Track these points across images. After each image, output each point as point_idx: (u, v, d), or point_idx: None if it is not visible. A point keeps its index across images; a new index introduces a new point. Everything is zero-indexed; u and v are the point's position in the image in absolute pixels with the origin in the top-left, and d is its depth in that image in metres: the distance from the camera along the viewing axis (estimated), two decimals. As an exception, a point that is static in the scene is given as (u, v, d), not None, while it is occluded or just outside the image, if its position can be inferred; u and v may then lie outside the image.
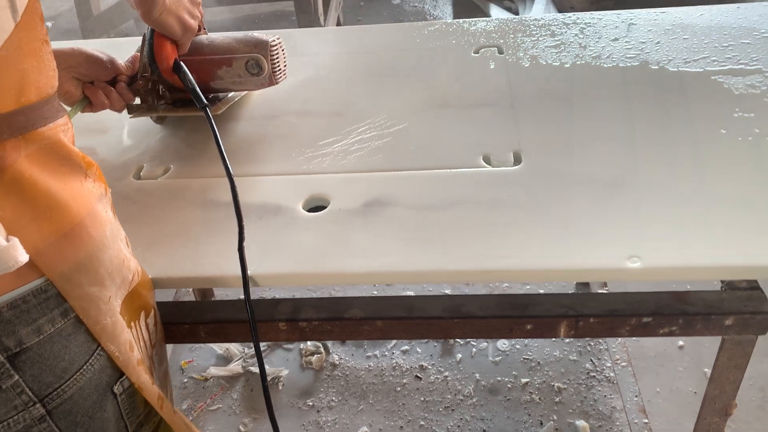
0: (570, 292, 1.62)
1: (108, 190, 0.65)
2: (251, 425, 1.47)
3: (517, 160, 0.85)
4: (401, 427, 1.44)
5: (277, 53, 0.88)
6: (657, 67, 0.99)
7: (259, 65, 0.86)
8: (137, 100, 0.89)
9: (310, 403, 1.50)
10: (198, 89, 0.81)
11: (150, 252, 0.76)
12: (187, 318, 0.79)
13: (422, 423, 1.44)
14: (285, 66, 0.92)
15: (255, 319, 0.72)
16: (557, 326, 0.76)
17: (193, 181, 0.87)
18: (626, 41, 1.06)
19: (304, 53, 1.12)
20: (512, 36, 1.10)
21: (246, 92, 0.99)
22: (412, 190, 0.82)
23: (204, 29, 0.91)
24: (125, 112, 0.90)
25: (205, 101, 0.79)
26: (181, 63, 0.83)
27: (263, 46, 0.87)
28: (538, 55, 1.05)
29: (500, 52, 1.07)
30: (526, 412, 1.44)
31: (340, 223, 0.78)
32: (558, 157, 0.84)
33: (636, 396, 1.38)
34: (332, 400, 1.50)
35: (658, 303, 0.76)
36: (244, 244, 0.71)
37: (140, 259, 0.71)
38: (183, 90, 0.85)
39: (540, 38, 1.09)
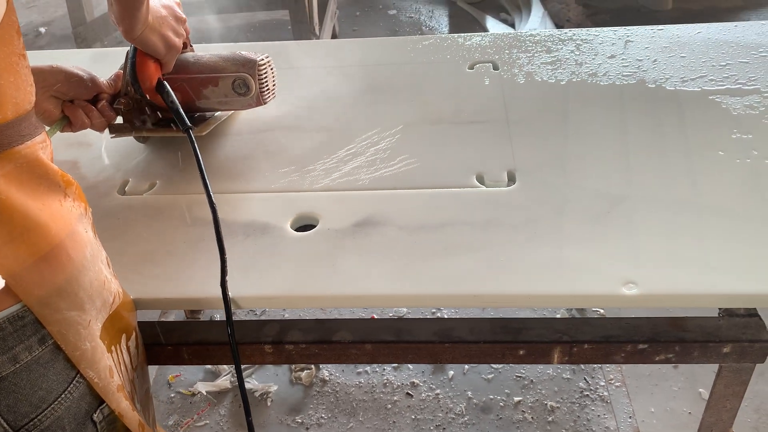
0: (562, 315, 1.60)
1: (88, 209, 0.63)
2: (238, 442, 1.44)
3: (511, 179, 0.83)
4: (391, 445, 1.41)
5: (265, 72, 0.86)
6: (654, 86, 0.97)
7: (246, 85, 0.84)
8: (119, 119, 0.86)
9: (299, 420, 1.47)
10: (182, 110, 0.78)
11: (133, 271, 0.74)
12: (171, 339, 0.77)
13: (412, 441, 1.41)
14: (274, 85, 0.89)
15: (237, 348, 0.70)
16: (551, 352, 0.74)
17: (180, 197, 0.85)
18: (623, 58, 1.04)
19: (297, 66, 1.10)
20: (507, 51, 1.09)
21: (233, 111, 0.97)
22: (403, 210, 0.80)
23: (190, 46, 0.89)
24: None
25: (188, 123, 0.77)
26: (165, 83, 0.80)
27: (251, 66, 0.84)
28: (534, 71, 1.03)
29: (495, 68, 1.05)
30: (518, 431, 1.41)
31: (329, 244, 0.76)
32: (553, 177, 0.83)
33: (630, 417, 1.36)
34: (322, 417, 1.48)
35: (654, 329, 0.74)
36: (228, 266, 0.69)
37: (123, 278, 0.69)
38: (167, 109, 0.82)
39: (535, 54, 1.07)
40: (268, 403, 1.51)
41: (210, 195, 0.70)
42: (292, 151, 0.91)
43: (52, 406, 0.57)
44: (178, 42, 0.80)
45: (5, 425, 0.54)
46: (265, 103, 0.87)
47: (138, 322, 0.72)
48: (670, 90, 0.97)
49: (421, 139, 0.91)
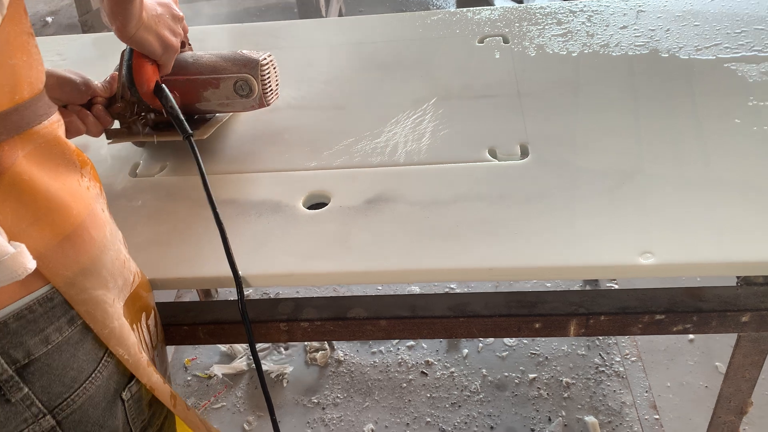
0: (577, 288, 1.60)
1: (102, 189, 0.63)
2: (255, 423, 1.45)
3: (524, 153, 0.83)
4: (407, 423, 1.42)
5: (268, 72, 0.83)
6: (667, 55, 0.96)
7: (248, 86, 0.81)
8: (116, 124, 0.83)
9: (315, 401, 1.48)
10: (181, 116, 0.74)
11: (147, 252, 0.74)
12: (186, 319, 0.77)
13: (428, 420, 1.42)
14: (277, 85, 0.87)
15: (250, 327, 0.70)
16: (567, 325, 0.74)
17: (190, 178, 0.85)
18: (635, 29, 1.03)
19: (304, 45, 1.09)
20: (517, 25, 1.07)
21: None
22: (415, 186, 0.79)
23: (189, 45, 0.86)
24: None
25: (188, 130, 0.73)
26: (164, 86, 0.77)
27: (253, 66, 0.81)
28: (545, 44, 1.02)
29: (505, 41, 1.04)
30: (534, 408, 1.42)
31: (341, 221, 0.75)
32: (566, 149, 0.82)
33: (646, 391, 1.36)
34: (337, 397, 1.49)
35: (671, 299, 0.73)
36: (240, 245, 0.69)
37: (137, 259, 0.69)
38: (166, 112, 0.80)
39: (546, 27, 1.06)
40: (284, 384, 1.52)
41: (208, 188, 0.68)
42: (302, 130, 0.91)
43: (84, 385, 0.58)
44: (176, 42, 0.77)
45: (40, 405, 0.55)
46: (268, 104, 0.84)
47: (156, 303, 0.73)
48: (684, 59, 0.95)
49: (432, 114, 0.90)
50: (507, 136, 0.85)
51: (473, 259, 0.69)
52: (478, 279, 0.70)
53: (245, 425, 1.45)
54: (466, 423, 1.40)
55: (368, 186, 0.80)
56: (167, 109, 0.75)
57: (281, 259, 0.72)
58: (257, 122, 0.92)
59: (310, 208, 0.79)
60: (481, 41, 1.05)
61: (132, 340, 0.61)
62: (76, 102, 0.77)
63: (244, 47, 1.10)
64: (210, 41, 1.13)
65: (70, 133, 0.77)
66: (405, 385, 1.49)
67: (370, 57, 1.04)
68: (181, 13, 0.78)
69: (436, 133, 0.87)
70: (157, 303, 0.73)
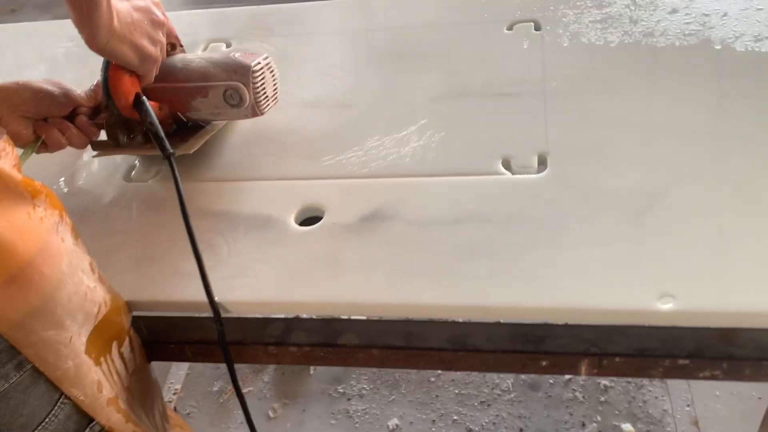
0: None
1: (65, 215, 0.59)
2: (280, 411, 1.44)
3: (542, 164, 0.74)
4: (433, 420, 1.37)
5: (261, 79, 0.76)
6: (720, 47, 0.84)
7: (239, 95, 0.74)
8: (103, 134, 0.78)
9: (341, 390, 1.45)
10: (161, 132, 0.68)
11: (128, 270, 0.71)
12: (173, 337, 0.74)
13: (455, 417, 1.37)
14: (275, 90, 0.80)
15: (230, 357, 0.65)
16: (577, 364, 0.66)
17: (185, 185, 0.79)
18: (686, 13, 0.90)
19: (314, 32, 1.02)
20: (552, 7, 0.96)
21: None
22: (415, 202, 0.72)
23: (180, 47, 0.80)
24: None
25: (168, 149, 0.67)
26: (144, 99, 0.70)
27: (244, 72, 0.74)
28: (580, 31, 0.91)
29: (537, 28, 0.94)
30: (567, 411, 1.34)
31: (332, 242, 0.69)
32: (589, 162, 0.72)
33: (688, 405, 1.26)
34: (363, 388, 1.45)
35: (698, 342, 0.64)
36: (222, 268, 0.64)
37: (118, 278, 0.66)
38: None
39: (585, 10, 0.95)
40: (311, 372, 1.50)
41: (186, 216, 0.64)
42: (303, 131, 0.84)
43: (37, 431, 0.55)
44: (155, 50, 0.70)
45: None
46: (262, 113, 0.77)
47: (140, 317, 0.69)
48: (740, 51, 0.83)
49: (445, 116, 0.82)
50: (525, 144, 0.76)
51: (469, 294, 0.62)
52: (475, 317, 0.63)
53: (270, 412, 1.44)
54: (494, 423, 1.35)
55: (365, 200, 0.73)
56: (146, 125, 0.70)
57: (263, 284, 0.67)
58: (257, 123, 0.86)
59: (303, 222, 0.74)
60: (510, 28, 0.95)
61: (90, 379, 0.58)
62: (56, 114, 0.73)
63: (258, 32, 1.04)
64: (225, 25, 1.07)
65: (51, 147, 0.74)
66: (433, 379, 1.44)
67: (386, 46, 0.96)
68: (162, 18, 0.71)
69: (447, 138, 0.79)
70: (142, 317, 0.70)
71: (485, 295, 0.62)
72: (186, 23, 1.09)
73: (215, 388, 1.51)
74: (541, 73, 0.85)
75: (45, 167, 0.82)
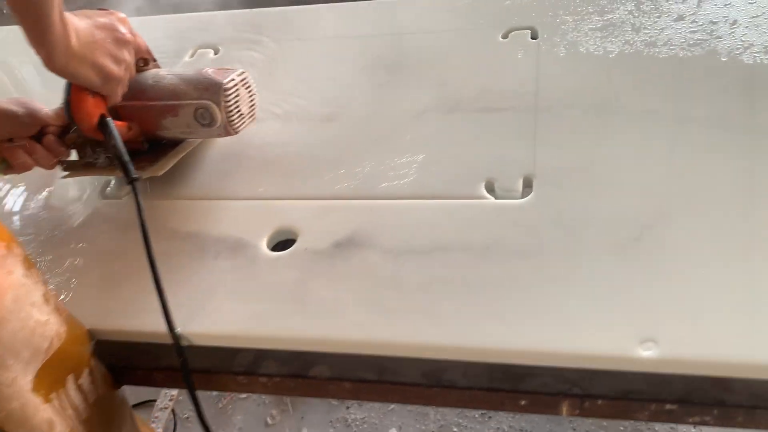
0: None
1: (14, 245, 0.56)
2: (279, 417, 1.42)
3: (528, 187, 0.70)
4: (433, 431, 1.34)
5: (234, 97, 0.72)
6: (726, 59, 0.78)
7: (210, 115, 0.71)
8: (74, 154, 0.75)
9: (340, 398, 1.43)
10: (125, 156, 0.65)
11: (93, 296, 0.69)
12: (141, 363, 0.71)
13: (455, 429, 1.34)
14: (251, 107, 0.76)
15: (193, 389, 0.63)
16: (558, 405, 0.62)
17: (159, 203, 0.78)
18: (693, 20, 0.85)
19: (298, 38, 0.98)
20: (551, 14, 0.91)
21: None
22: (392, 227, 0.69)
23: (154, 62, 0.77)
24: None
25: (133, 174, 0.64)
26: (109, 121, 0.67)
27: (215, 91, 0.71)
28: (578, 40, 0.86)
29: (534, 35, 0.89)
30: (570, 426, 1.30)
31: (303, 269, 0.66)
32: (578, 187, 0.68)
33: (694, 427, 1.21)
34: (362, 396, 1.43)
35: (688, 386, 0.59)
36: (187, 297, 0.61)
37: (81, 305, 0.64)
38: (130, 141, 0.71)
39: (585, 17, 0.90)
40: (310, 378, 1.48)
41: (151, 256, 0.61)
42: (283, 147, 0.81)
43: None
44: (118, 70, 0.66)
45: None
46: (236, 132, 0.74)
47: (106, 341, 0.67)
48: (748, 64, 0.77)
49: (431, 132, 0.78)
50: (511, 165, 0.72)
51: (444, 333, 0.59)
52: (446, 356, 0.60)
53: (268, 419, 1.42)
54: (494, 437, 1.31)
55: (340, 224, 0.70)
56: (110, 148, 0.67)
57: (229, 316, 0.64)
58: (235, 138, 0.82)
59: (276, 246, 0.71)
60: (506, 35, 0.90)
61: (39, 418, 0.55)
62: (22, 135, 0.70)
63: (247, 38, 1.01)
64: (214, 30, 1.04)
65: (17, 168, 0.71)
66: (433, 389, 1.41)
67: (374, 54, 0.92)
68: (128, 35, 0.68)
69: (430, 158, 0.75)
70: (111, 342, 0.68)
71: (460, 335, 0.59)
72: (173, 28, 1.06)
73: (214, 393, 1.49)
74: (534, 87, 0.81)
75: (25, 181, 0.80)
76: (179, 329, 0.63)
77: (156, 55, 1.01)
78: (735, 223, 0.61)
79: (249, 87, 0.75)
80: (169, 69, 0.77)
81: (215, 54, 1.00)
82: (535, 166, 0.71)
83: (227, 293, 0.66)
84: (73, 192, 0.82)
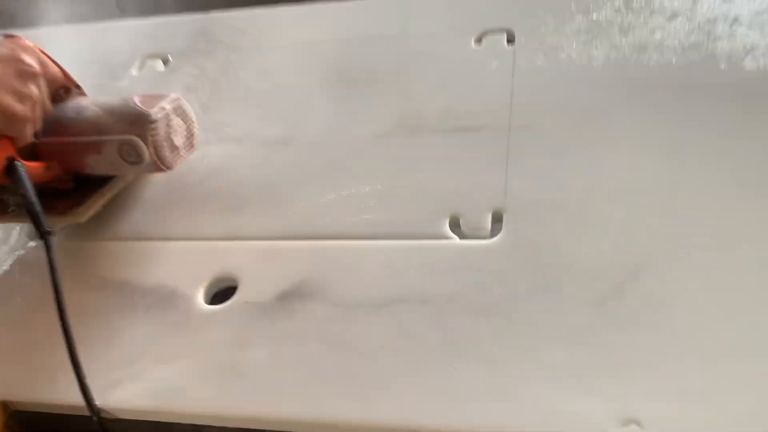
0: None
1: None
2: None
3: (497, 222, 0.61)
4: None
5: (165, 129, 0.63)
6: (725, 66, 0.69)
7: (136, 152, 0.62)
8: None
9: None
10: (37, 207, 0.57)
11: (8, 362, 0.61)
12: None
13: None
14: (189, 137, 0.67)
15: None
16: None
17: (89, 244, 0.70)
18: (689, 19, 0.75)
19: (260, 45, 0.89)
20: (530, 14, 0.82)
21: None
22: (344, 274, 0.60)
23: (77, 88, 0.68)
24: None
25: (45, 227, 0.56)
26: (17, 166, 0.58)
27: (141, 124, 0.62)
28: (560, 45, 0.77)
29: (510, 39, 0.80)
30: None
31: (241, 328, 0.58)
32: (555, 225, 0.59)
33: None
34: None
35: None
36: (114, 354, 0.54)
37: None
38: (47, 181, 0.64)
39: (567, 17, 0.80)
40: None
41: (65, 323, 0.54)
42: (229, 177, 0.73)
43: None
44: (22, 109, 0.58)
45: None
46: (170, 169, 0.65)
47: (22, 413, 0.60)
48: (751, 71, 0.68)
49: (391, 158, 0.70)
50: (479, 198, 0.63)
51: (392, 412, 0.51)
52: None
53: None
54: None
55: (286, 270, 0.62)
56: (18, 196, 0.58)
57: (155, 384, 0.56)
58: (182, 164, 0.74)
59: (215, 296, 0.63)
60: (479, 40, 0.81)
61: None
62: None
63: (200, 46, 0.92)
64: (165, 37, 0.95)
65: None
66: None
67: (334, 64, 0.83)
68: (35, 67, 0.59)
69: (390, 189, 0.67)
70: (39, 415, 0.60)
71: (409, 415, 0.50)
72: (122, 36, 0.98)
73: None
74: (508, 101, 0.72)
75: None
76: (99, 402, 0.55)
77: (100, 68, 0.93)
78: (741, 275, 0.52)
79: (184, 115, 0.67)
80: (94, 97, 0.68)
81: (165, 65, 0.91)
82: (506, 198, 0.63)
83: (155, 357, 0.58)
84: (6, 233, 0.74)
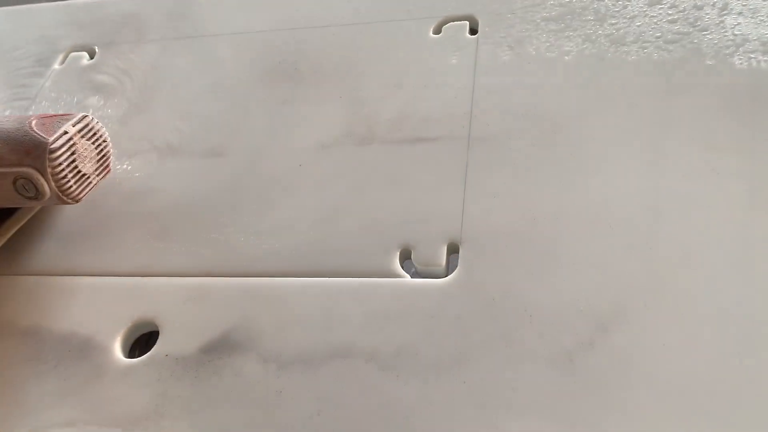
0: None
1: None
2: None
3: (453, 251, 0.54)
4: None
5: (68, 158, 0.55)
6: (713, 61, 0.61)
7: (34, 186, 0.54)
8: None
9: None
10: None
11: None
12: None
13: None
14: (101, 161, 0.59)
15: None
16: None
17: (8, 279, 0.62)
18: (671, 5, 0.67)
19: (197, 34, 0.80)
20: (496, -2, 0.73)
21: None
22: (279, 320, 0.53)
23: None
24: None
25: None
26: None
27: (38, 154, 0.53)
28: (527, 36, 0.68)
29: (473, 30, 0.71)
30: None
31: (159, 388, 0.51)
32: (517, 260, 0.52)
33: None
34: None
35: None
36: (15, 422, 0.47)
37: None
38: None
39: (537, 2, 0.71)
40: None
41: None
42: (152, 196, 0.64)
43: None
44: None
45: None
46: (76, 201, 0.57)
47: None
48: (741, 69, 0.60)
49: (337, 174, 0.61)
50: (432, 227, 0.56)
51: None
52: None
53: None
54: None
55: (212, 316, 0.54)
56: None
57: (60, 459, 0.49)
58: (102, 182, 0.65)
59: (132, 346, 0.55)
60: (438, 30, 0.72)
61: None
62: None
63: (130, 35, 0.83)
64: (93, 25, 0.85)
65: None
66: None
67: (276, 58, 0.74)
68: None
69: (334, 213, 0.59)
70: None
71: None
72: (45, 23, 0.87)
73: None
74: (468, 106, 0.63)
75: None
76: (-3, 482, 0.48)
77: (21, 62, 0.83)
78: (737, 325, 0.45)
79: (94, 135, 0.58)
80: None
81: (91, 58, 0.82)
82: (463, 226, 0.55)
83: (62, 424, 0.50)
84: None
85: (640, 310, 0.47)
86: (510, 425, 0.44)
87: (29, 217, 0.62)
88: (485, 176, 0.58)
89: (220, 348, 0.52)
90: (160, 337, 0.54)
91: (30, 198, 0.55)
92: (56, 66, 0.82)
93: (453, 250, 0.54)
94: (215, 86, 0.73)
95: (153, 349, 0.53)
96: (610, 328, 0.46)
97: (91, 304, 0.58)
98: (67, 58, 0.82)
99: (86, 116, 0.57)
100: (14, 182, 0.54)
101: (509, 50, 0.67)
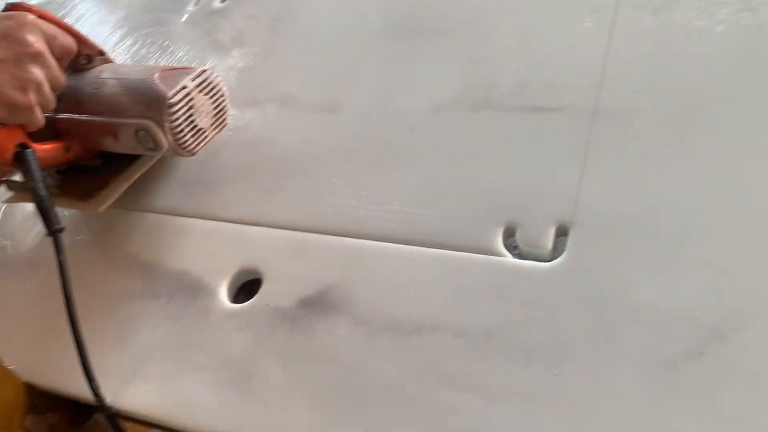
0: None
1: None
2: None
3: (562, 234, 0.51)
4: None
5: (185, 113, 0.56)
6: None
7: (153, 138, 0.55)
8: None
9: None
10: (48, 203, 0.52)
11: (27, 348, 0.60)
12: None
13: None
14: (218, 115, 0.60)
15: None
16: None
17: (123, 213, 0.66)
18: None
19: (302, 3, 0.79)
20: (646, -47, 0.65)
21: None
22: (376, 284, 0.53)
23: (100, 54, 0.61)
24: None
25: (55, 223, 0.51)
26: (27, 155, 0.53)
27: (157, 108, 0.54)
28: (674, 0, 0.61)
29: (614, -11, 0.65)
30: None
31: (258, 335, 0.53)
32: (631, 252, 0.48)
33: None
34: None
35: None
36: (129, 348, 0.51)
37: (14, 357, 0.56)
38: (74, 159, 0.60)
39: (693, -41, 0.63)
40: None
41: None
42: (265, 148, 0.66)
43: None
44: (25, 98, 0.51)
45: None
46: (192, 155, 0.59)
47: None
48: None
49: (448, 139, 0.60)
50: (543, 203, 0.53)
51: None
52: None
53: None
54: None
55: (313, 271, 0.55)
56: (28, 188, 0.53)
57: (161, 391, 0.53)
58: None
59: (237, 292, 0.58)
60: (575, -14, 0.66)
61: None
62: None
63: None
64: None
65: None
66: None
67: (396, 16, 0.72)
68: (37, 46, 0.51)
69: (439, 180, 0.57)
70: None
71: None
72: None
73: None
74: (598, 76, 0.58)
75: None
76: (109, 399, 0.53)
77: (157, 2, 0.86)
78: None
79: (212, 90, 0.59)
80: (116, 67, 0.62)
81: (222, 1, 0.84)
82: (576, 208, 0.51)
83: (169, 359, 0.54)
84: (22, 219, 0.72)
85: (765, 323, 0.42)
86: (598, 429, 0.42)
87: (152, 163, 0.66)
88: (607, 156, 0.53)
89: (316, 305, 0.53)
90: (262, 286, 0.56)
91: (149, 149, 0.58)
92: (190, 7, 0.84)
93: (562, 233, 0.51)
94: (332, 43, 0.73)
95: (255, 298, 0.56)
96: (724, 339, 0.42)
97: (204, 246, 0.61)
98: (200, 2, 0.85)
99: (206, 70, 0.59)
100: (136, 133, 0.57)
101: (653, 15, 0.61)
